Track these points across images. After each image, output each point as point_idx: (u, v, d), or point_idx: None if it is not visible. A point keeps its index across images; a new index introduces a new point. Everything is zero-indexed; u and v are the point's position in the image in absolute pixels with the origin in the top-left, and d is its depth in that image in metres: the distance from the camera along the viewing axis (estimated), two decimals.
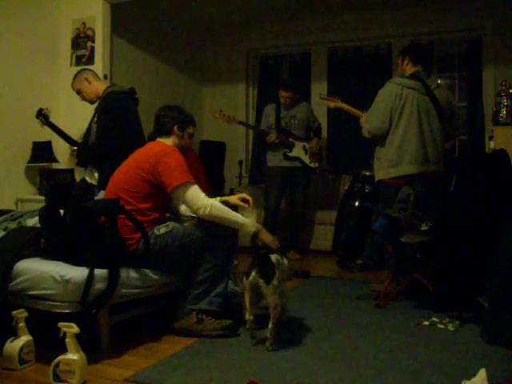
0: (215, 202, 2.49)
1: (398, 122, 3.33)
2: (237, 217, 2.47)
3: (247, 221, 2.42)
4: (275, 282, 2.25)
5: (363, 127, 3.52)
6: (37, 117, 3.66)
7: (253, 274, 2.26)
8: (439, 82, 3.53)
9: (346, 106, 3.78)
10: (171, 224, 2.51)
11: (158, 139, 2.68)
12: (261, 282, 2.24)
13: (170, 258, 2.52)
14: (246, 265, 2.37)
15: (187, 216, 2.70)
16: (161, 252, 2.47)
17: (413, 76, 3.40)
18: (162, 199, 2.58)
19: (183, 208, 2.74)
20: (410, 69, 3.45)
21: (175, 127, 2.67)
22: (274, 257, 2.38)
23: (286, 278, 2.48)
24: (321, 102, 4.04)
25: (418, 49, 3.59)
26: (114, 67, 4.80)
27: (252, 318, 2.37)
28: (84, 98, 3.53)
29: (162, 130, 2.68)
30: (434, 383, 1.94)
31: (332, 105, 3.90)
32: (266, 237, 2.53)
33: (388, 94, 3.36)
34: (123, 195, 2.46)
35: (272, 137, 4.83)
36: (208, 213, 2.43)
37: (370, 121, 3.43)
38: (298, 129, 4.97)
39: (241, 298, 2.96)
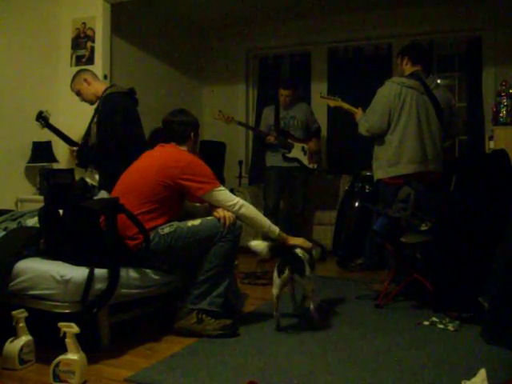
0: (246, 202, 2.64)
1: (397, 122, 3.32)
2: (266, 220, 2.69)
3: (274, 226, 2.68)
4: (307, 272, 2.53)
5: (359, 124, 3.51)
6: (37, 119, 3.66)
7: (286, 271, 2.51)
8: (438, 81, 3.53)
9: (346, 105, 3.78)
10: (175, 224, 2.51)
11: (173, 144, 2.67)
12: (296, 276, 2.52)
13: (173, 257, 2.52)
14: (249, 266, 2.41)
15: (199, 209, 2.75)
16: (164, 252, 2.47)
17: (412, 75, 3.40)
18: (177, 204, 2.60)
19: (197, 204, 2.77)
20: (409, 68, 3.45)
21: (192, 134, 2.71)
22: (299, 251, 2.60)
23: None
24: (321, 100, 4.04)
25: (418, 48, 3.59)
26: (114, 67, 4.79)
27: (278, 313, 2.58)
28: (83, 99, 3.52)
29: (178, 137, 2.68)
30: (434, 383, 1.94)
31: (332, 104, 3.91)
32: (296, 241, 2.70)
33: (387, 93, 3.36)
34: (139, 198, 2.46)
35: (271, 138, 4.84)
36: (239, 210, 2.57)
37: (368, 120, 3.43)
38: (298, 129, 4.96)
39: (239, 298, 2.98)
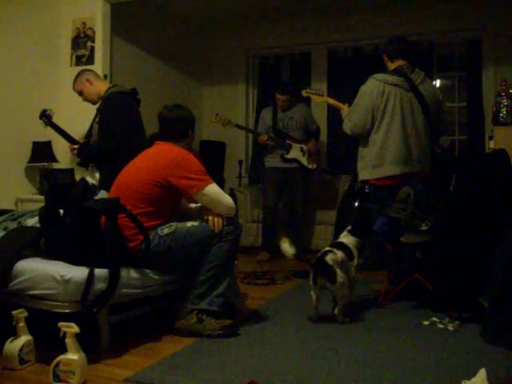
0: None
1: (381, 121, 3.24)
2: None
3: None
4: (339, 279, 2.64)
5: (344, 123, 3.43)
6: (40, 118, 3.66)
7: (319, 280, 2.65)
8: (423, 75, 3.41)
9: (331, 100, 3.72)
10: (174, 225, 2.50)
11: (168, 142, 2.62)
12: (328, 284, 2.65)
13: (173, 258, 2.52)
14: (249, 266, 2.39)
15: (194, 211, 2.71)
16: (164, 253, 2.46)
17: (395, 72, 3.30)
18: (173, 203, 2.59)
19: (192, 205, 2.74)
20: (391, 65, 3.37)
21: (190, 130, 2.67)
22: (329, 257, 2.69)
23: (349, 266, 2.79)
24: (306, 96, 3.99)
25: (397, 43, 3.42)
26: (114, 67, 4.79)
27: (316, 314, 2.73)
28: (86, 99, 3.52)
29: (176, 134, 2.63)
30: (434, 383, 1.94)
31: (318, 99, 3.88)
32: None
33: (370, 90, 3.28)
34: (134, 198, 2.44)
35: (264, 138, 4.84)
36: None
37: (351, 119, 3.35)
38: (296, 130, 4.97)
39: (240, 298, 2.98)
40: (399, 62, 3.33)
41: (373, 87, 3.28)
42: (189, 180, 2.46)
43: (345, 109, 3.54)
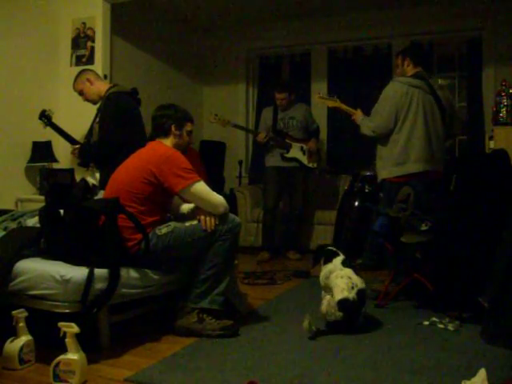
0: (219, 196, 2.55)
1: (404, 121, 3.36)
2: None
3: None
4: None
5: (363, 125, 3.52)
6: (40, 118, 3.66)
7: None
8: (440, 82, 3.57)
9: (344, 106, 3.79)
10: (172, 224, 2.51)
11: (158, 140, 2.66)
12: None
13: (172, 257, 2.52)
14: (249, 266, 2.36)
15: (187, 213, 2.70)
16: (162, 252, 2.47)
17: (416, 76, 3.43)
18: (164, 201, 2.58)
19: (184, 206, 2.74)
20: (411, 70, 3.48)
21: (173, 127, 2.63)
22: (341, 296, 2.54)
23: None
24: (319, 101, 4.03)
25: (419, 50, 3.65)
26: (114, 67, 4.79)
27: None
28: (86, 99, 3.52)
29: (160, 131, 2.65)
30: (434, 383, 1.94)
31: (330, 104, 3.91)
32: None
33: (393, 92, 3.38)
34: (125, 197, 2.44)
35: (262, 136, 4.83)
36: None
37: (374, 120, 3.45)
38: (296, 130, 4.96)
39: (240, 298, 2.97)
40: (418, 68, 3.47)
41: (396, 89, 3.39)
42: (175, 177, 2.44)
43: (357, 114, 3.60)
